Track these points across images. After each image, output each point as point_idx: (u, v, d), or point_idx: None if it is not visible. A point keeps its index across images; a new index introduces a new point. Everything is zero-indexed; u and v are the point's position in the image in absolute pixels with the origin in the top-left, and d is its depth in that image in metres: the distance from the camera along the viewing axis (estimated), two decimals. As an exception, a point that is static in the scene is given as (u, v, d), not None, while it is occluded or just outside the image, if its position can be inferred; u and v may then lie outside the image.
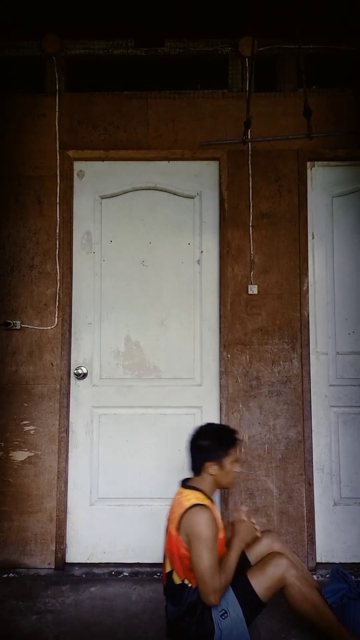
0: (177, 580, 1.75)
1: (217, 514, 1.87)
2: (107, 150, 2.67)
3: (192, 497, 1.78)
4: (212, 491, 1.87)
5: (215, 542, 1.72)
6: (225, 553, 1.78)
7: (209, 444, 1.84)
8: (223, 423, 2.01)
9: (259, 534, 1.88)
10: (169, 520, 1.82)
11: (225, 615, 1.71)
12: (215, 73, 2.74)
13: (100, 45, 2.72)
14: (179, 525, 1.74)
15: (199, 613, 1.72)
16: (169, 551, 1.79)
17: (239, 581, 1.77)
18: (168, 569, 1.79)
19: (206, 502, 1.78)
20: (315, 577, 2.41)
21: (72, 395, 2.63)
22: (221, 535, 1.83)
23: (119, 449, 2.60)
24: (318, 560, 2.50)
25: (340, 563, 2.51)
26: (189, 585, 1.73)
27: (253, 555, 1.92)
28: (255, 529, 1.86)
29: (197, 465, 1.85)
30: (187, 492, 1.81)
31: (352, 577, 1.98)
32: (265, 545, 1.93)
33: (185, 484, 1.87)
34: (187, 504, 1.75)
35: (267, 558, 1.82)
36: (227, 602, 1.72)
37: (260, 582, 1.74)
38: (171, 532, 1.78)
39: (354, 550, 2.53)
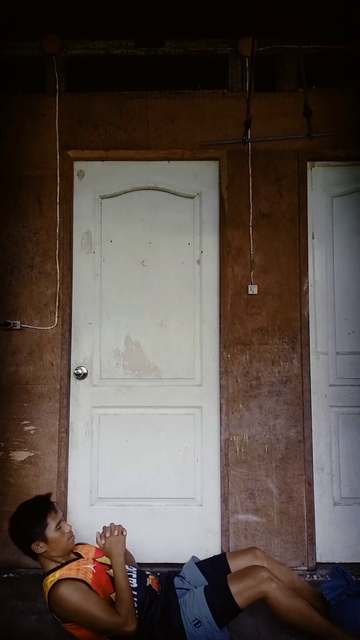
0: None
1: (86, 551, 1.90)
2: (107, 150, 2.67)
3: (45, 588, 1.77)
4: (60, 559, 1.86)
5: (88, 596, 1.71)
6: (114, 577, 1.79)
7: (25, 526, 1.83)
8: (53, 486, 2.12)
9: (124, 533, 1.89)
10: None
11: (199, 624, 1.73)
12: (215, 73, 2.74)
13: (100, 45, 2.73)
14: (53, 614, 1.75)
15: (166, 623, 1.74)
16: (77, 637, 1.79)
17: (217, 585, 1.79)
18: None
19: (57, 575, 1.77)
20: (315, 577, 2.42)
21: (72, 395, 2.63)
22: (94, 564, 1.85)
23: (119, 449, 2.60)
24: (318, 560, 2.50)
25: (340, 563, 2.51)
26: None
27: (235, 568, 1.95)
28: (122, 533, 1.88)
29: (28, 551, 1.84)
30: (44, 584, 1.80)
31: (352, 575, 1.98)
32: (247, 561, 1.96)
33: (43, 576, 1.85)
34: (45, 598, 1.76)
35: (247, 569, 1.84)
36: (200, 612, 1.74)
37: (239, 591, 1.76)
38: (61, 625, 1.78)
39: (354, 550, 2.53)
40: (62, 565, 1.83)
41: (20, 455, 2.54)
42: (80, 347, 2.66)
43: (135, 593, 1.83)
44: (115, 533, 1.87)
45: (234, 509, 2.49)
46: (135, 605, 1.79)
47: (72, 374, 2.63)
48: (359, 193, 2.71)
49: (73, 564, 1.83)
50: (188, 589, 1.90)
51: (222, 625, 1.75)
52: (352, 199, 2.71)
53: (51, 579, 1.77)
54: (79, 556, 1.91)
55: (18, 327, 2.58)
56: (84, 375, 2.63)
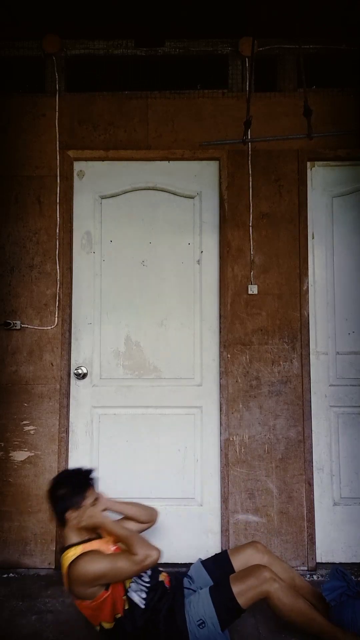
0: (107, 626, 1.78)
1: (104, 545, 1.87)
2: (107, 150, 2.67)
3: (65, 560, 1.78)
4: (85, 535, 1.87)
5: (105, 558, 1.75)
6: (113, 536, 1.85)
7: (65, 492, 1.85)
8: (78, 468, 2.01)
9: (101, 506, 1.90)
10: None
11: (203, 625, 1.73)
12: (215, 73, 2.74)
13: (100, 45, 2.72)
14: (70, 589, 1.77)
15: (171, 621, 1.74)
16: (86, 616, 1.82)
17: (220, 585, 1.79)
18: (97, 627, 1.81)
19: (79, 549, 1.79)
20: (315, 577, 2.42)
21: (72, 395, 2.63)
22: (114, 547, 1.87)
23: (119, 449, 2.60)
24: (318, 560, 2.50)
25: (340, 563, 2.51)
26: (107, 626, 1.78)
27: (237, 564, 1.95)
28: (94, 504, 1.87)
29: (61, 518, 1.85)
30: (63, 556, 1.81)
31: (352, 576, 1.98)
32: (249, 554, 1.97)
33: (63, 549, 1.86)
34: (64, 571, 1.77)
35: (250, 569, 1.84)
36: (205, 613, 1.75)
37: (242, 591, 1.76)
38: (73, 600, 1.81)
39: (354, 550, 2.53)
40: (85, 541, 1.84)
41: (20, 455, 2.54)
42: (80, 347, 2.66)
43: (148, 586, 1.84)
44: (90, 516, 1.86)
45: (234, 508, 2.49)
46: (145, 597, 1.80)
47: (72, 374, 2.63)
48: (359, 193, 2.71)
49: (95, 542, 1.85)
50: (195, 590, 1.90)
51: (225, 626, 1.75)
52: (352, 199, 2.71)
53: (72, 552, 1.78)
54: (101, 537, 1.93)
55: (18, 327, 2.58)
56: (84, 375, 2.63)
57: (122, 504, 2.08)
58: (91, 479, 1.91)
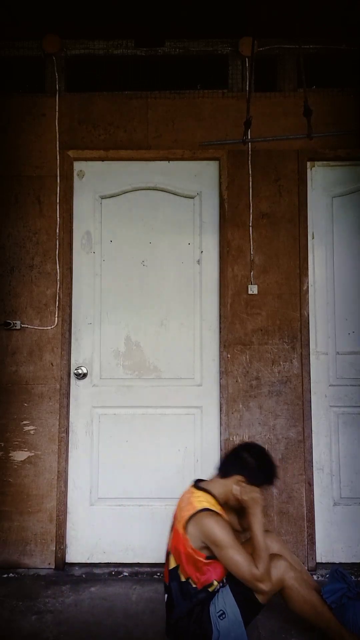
0: (182, 577, 1.76)
1: (227, 521, 1.83)
2: (107, 150, 2.67)
3: (203, 500, 1.77)
4: (224, 500, 1.85)
5: (235, 540, 1.72)
6: (250, 535, 1.78)
7: (256, 464, 1.83)
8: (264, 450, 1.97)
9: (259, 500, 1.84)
10: (176, 518, 1.82)
11: (224, 616, 1.71)
12: (215, 73, 2.74)
13: (100, 45, 2.72)
14: (186, 525, 1.74)
15: (197, 613, 1.72)
16: (174, 548, 1.79)
17: (238, 581, 1.78)
18: (172, 565, 1.78)
19: (217, 507, 1.78)
20: (315, 577, 2.41)
21: (72, 395, 2.63)
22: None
23: (119, 449, 2.60)
24: (318, 560, 2.50)
25: (340, 563, 2.51)
26: (194, 585, 1.74)
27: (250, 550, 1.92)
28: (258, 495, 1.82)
29: (228, 471, 1.84)
30: (199, 493, 1.81)
31: (352, 577, 1.98)
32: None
33: (198, 485, 1.86)
34: (198, 506, 1.75)
35: None
36: (225, 603, 1.73)
37: None
38: (178, 529, 1.78)
39: (354, 550, 2.53)
40: (223, 506, 1.83)
41: (20, 455, 2.54)
42: (80, 347, 2.66)
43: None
44: (254, 494, 1.82)
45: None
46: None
47: (72, 374, 2.63)
48: (359, 193, 2.71)
49: (228, 517, 1.84)
50: None
51: (245, 618, 1.72)
52: (352, 199, 2.71)
53: (211, 502, 1.76)
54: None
55: (18, 327, 2.58)
56: (84, 375, 2.63)
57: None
58: (277, 478, 1.90)
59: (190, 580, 1.74)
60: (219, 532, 1.69)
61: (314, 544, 2.47)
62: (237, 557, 1.69)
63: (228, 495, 1.84)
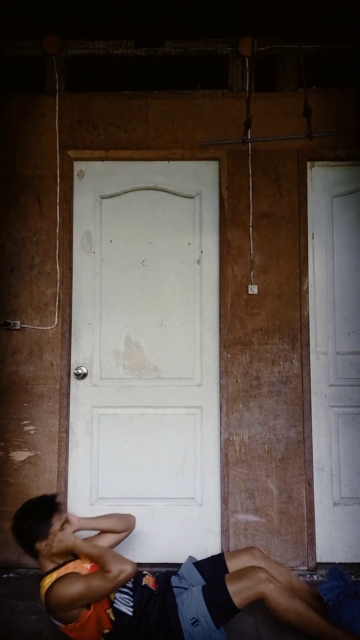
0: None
1: (80, 565, 1.85)
2: (107, 150, 2.67)
3: (42, 589, 1.77)
4: (59, 560, 1.85)
5: (80, 576, 1.75)
6: (86, 556, 1.84)
7: (30, 524, 1.81)
8: (46, 495, 1.97)
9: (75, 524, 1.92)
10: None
11: (197, 623, 1.73)
12: (215, 73, 2.74)
13: (100, 45, 2.72)
14: (52, 617, 1.76)
15: (163, 622, 1.75)
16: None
17: (215, 585, 1.79)
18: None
19: (54, 575, 1.77)
20: (315, 577, 2.42)
21: (72, 395, 2.63)
22: (90, 565, 1.85)
23: (119, 449, 2.60)
24: (318, 560, 2.50)
25: (340, 563, 2.51)
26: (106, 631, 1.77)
27: (233, 568, 1.95)
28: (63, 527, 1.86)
29: (31, 550, 1.83)
30: (41, 585, 1.80)
31: (351, 576, 1.98)
32: (245, 560, 1.97)
33: (40, 577, 1.84)
34: (42, 599, 1.77)
35: (245, 570, 1.85)
36: (198, 611, 1.75)
37: (237, 591, 1.77)
38: (59, 628, 1.79)
39: (354, 550, 2.53)
40: (60, 566, 1.83)
41: (20, 455, 2.54)
42: (80, 347, 2.66)
43: (131, 593, 1.83)
44: (59, 543, 1.83)
45: (234, 508, 2.49)
46: (132, 604, 1.79)
47: (72, 374, 2.63)
48: (359, 193, 2.71)
49: (70, 565, 1.84)
50: (186, 588, 1.91)
51: (220, 625, 1.75)
52: (352, 199, 2.71)
53: (48, 580, 1.77)
54: (77, 557, 1.91)
55: (18, 327, 2.58)
56: (84, 375, 2.63)
57: (95, 519, 2.07)
58: (55, 504, 1.89)
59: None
60: (67, 592, 1.70)
61: (314, 543, 2.48)
62: (95, 584, 1.72)
63: (53, 558, 1.83)
